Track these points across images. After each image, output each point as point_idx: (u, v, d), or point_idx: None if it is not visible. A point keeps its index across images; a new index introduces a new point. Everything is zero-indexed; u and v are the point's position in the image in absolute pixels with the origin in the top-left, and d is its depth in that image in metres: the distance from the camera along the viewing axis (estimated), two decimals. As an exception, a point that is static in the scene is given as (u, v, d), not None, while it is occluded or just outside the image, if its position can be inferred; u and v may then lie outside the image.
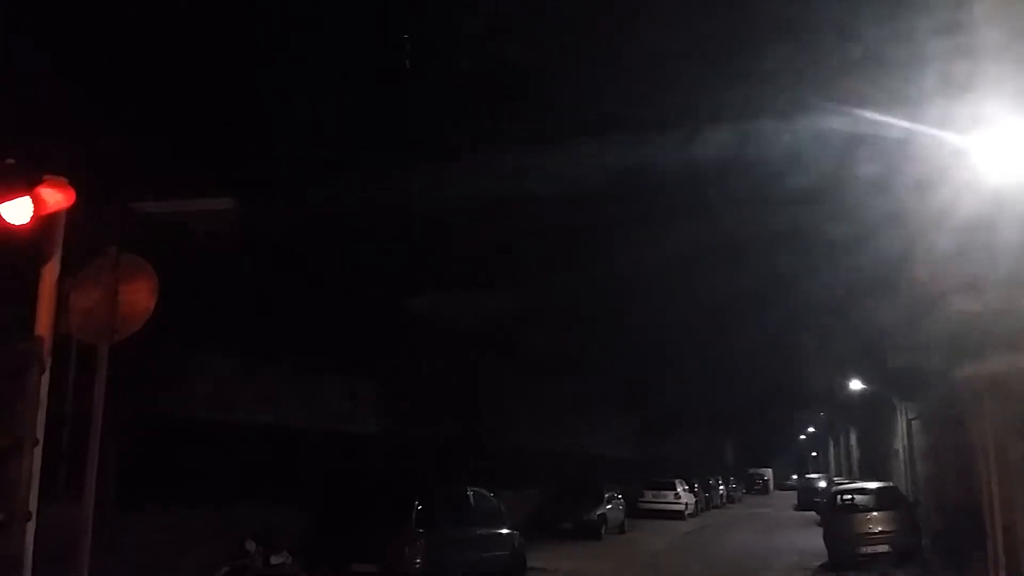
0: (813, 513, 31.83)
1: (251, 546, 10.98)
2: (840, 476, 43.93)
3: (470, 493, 15.45)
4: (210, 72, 11.06)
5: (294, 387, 15.93)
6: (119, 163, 9.88)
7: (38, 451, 5.45)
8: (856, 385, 28.41)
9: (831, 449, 61.40)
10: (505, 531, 16.03)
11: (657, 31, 11.95)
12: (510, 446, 25.37)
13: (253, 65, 11.86)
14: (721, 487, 47.70)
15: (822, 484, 41.32)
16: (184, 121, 11.27)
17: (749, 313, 30.46)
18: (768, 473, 68.76)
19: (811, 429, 72.69)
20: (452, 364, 22.19)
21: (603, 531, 25.25)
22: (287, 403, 15.64)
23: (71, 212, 5.68)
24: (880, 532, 17.31)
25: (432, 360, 21.18)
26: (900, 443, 24.90)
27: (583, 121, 14.11)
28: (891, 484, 21.37)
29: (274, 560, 11.17)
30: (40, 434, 5.47)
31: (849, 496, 19.75)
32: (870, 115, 11.59)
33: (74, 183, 5.53)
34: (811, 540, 21.51)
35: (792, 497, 47.33)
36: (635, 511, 32.12)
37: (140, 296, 6.30)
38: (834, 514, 19.26)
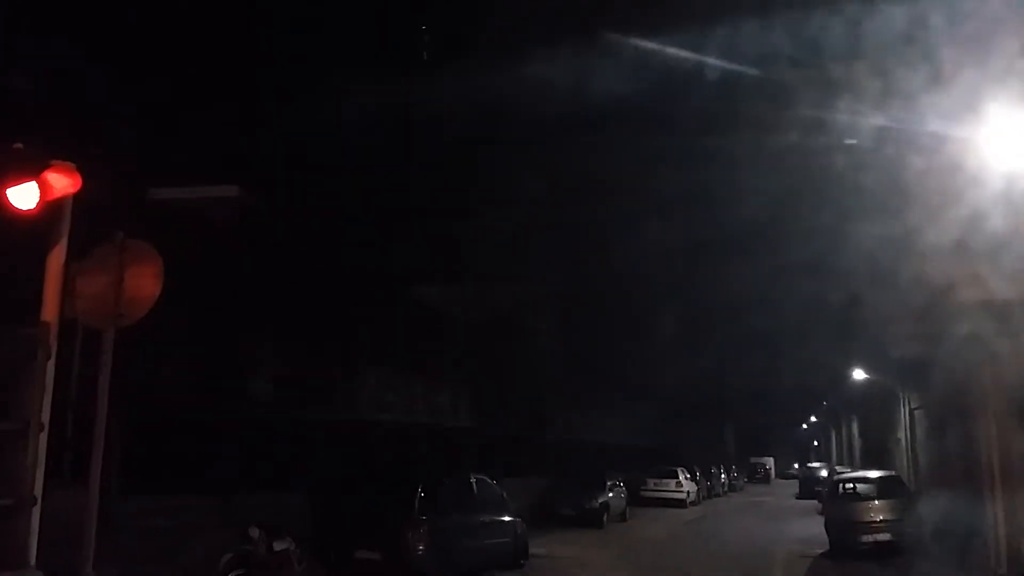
0: (814, 502, 31.84)
1: (255, 532, 10.99)
2: (842, 465, 43.99)
3: (473, 480, 15.48)
4: (216, 57, 11.08)
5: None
6: (127, 148, 9.88)
7: (44, 436, 5.47)
8: (859, 375, 28.42)
9: (833, 438, 61.48)
10: (508, 518, 16.05)
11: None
12: (521, 435, 25.58)
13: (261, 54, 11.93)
14: (723, 476, 47.79)
15: (824, 473, 41.36)
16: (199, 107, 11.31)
17: (755, 304, 30.55)
18: (770, 462, 68.84)
19: (813, 418, 72.80)
20: (478, 357, 22.65)
21: (605, 519, 25.30)
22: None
23: (78, 197, 5.68)
24: (881, 521, 17.31)
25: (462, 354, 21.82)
26: (902, 432, 24.93)
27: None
28: (893, 473, 21.39)
29: (277, 547, 11.18)
30: (46, 419, 5.49)
31: (851, 484, 19.75)
32: (872, 106, 11.56)
33: (81, 168, 5.53)
34: (812, 529, 21.53)
35: (793, 486, 47.38)
36: (637, 499, 32.20)
37: (146, 281, 6.30)
38: (836, 502, 19.28)
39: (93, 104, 9.85)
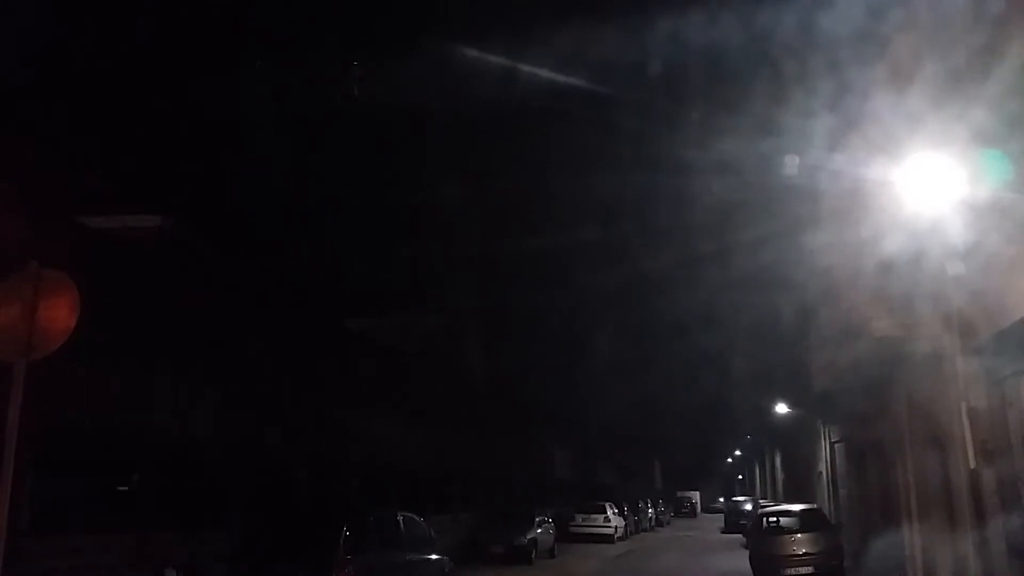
0: (739, 536, 32.18)
1: (171, 574, 10.63)
2: (765, 499, 44.59)
3: (400, 518, 15.21)
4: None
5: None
6: (44, 176, 9.60)
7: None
8: (781, 408, 28.95)
9: (757, 472, 62.41)
10: (435, 557, 15.81)
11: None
12: (443, 470, 25.32)
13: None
14: (650, 510, 48.01)
15: (748, 507, 41.85)
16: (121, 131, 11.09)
17: (679, 339, 31.07)
18: (696, 496, 69.59)
19: (738, 452, 73.89)
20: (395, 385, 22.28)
21: (533, 555, 25.12)
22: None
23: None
24: (804, 554, 17.59)
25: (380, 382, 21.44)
26: (823, 466, 25.42)
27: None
28: (815, 506, 21.78)
29: (195, 589, 10.84)
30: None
31: (774, 518, 20.02)
32: (793, 145, 11.88)
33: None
34: (737, 562, 21.74)
35: (719, 520, 47.87)
36: (565, 535, 32.08)
37: (60, 313, 6.08)
38: (760, 536, 19.52)
39: (7, 129, 9.57)
